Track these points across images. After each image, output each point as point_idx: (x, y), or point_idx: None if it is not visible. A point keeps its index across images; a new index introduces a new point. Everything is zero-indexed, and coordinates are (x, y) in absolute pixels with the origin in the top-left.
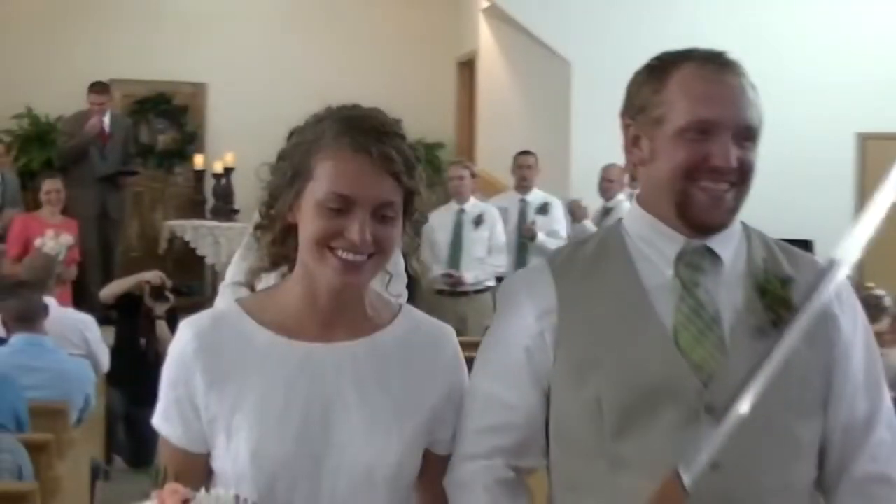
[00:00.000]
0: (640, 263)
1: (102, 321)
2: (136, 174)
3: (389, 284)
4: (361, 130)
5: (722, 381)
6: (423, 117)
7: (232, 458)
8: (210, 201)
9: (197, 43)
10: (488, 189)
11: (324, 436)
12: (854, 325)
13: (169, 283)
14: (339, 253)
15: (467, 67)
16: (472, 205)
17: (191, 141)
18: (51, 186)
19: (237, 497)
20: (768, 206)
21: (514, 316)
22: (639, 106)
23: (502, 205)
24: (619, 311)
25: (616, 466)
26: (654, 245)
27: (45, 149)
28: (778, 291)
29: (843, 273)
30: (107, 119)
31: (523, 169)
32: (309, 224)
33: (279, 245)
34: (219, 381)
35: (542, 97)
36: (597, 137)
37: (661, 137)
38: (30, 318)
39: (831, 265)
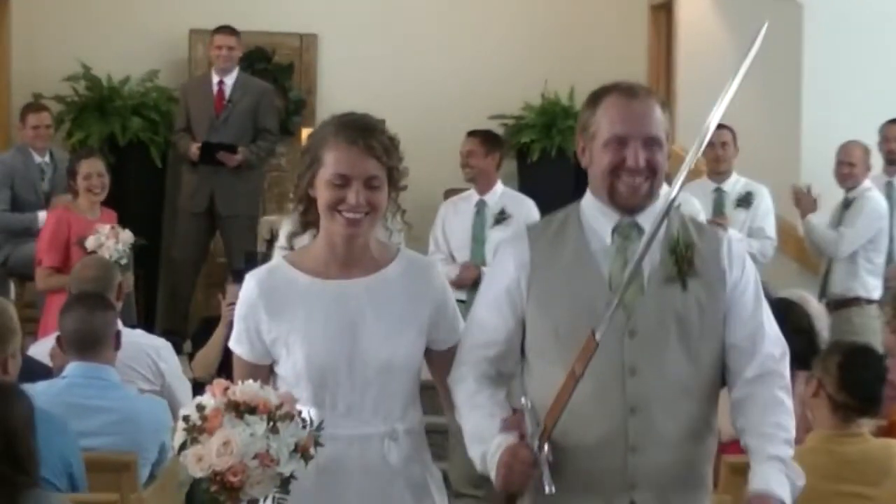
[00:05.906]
0: (589, 233)
1: (179, 348)
2: (235, 149)
3: (391, 237)
4: (353, 129)
5: (639, 312)
6: (606, 75)
7: (292, 364)
8: None
9: None
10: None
11: (353, 342)
12: (742, 273)
13: None
14: (344, 214)
15: (663, 11)
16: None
17: (297, 111)
18: (91, 169)
19: (262, 385)
20: None
21: (500, 266)
22: (583, 125)
23: (692, 194)
24: (572, 266)
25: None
26: (599, 220)
27: (106, 120)
28: (683, 252)
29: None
30: (229, 80)
31: (716, 147)
32: (322, 195)
33: (305, 214)
34: (276, 313)
35: (761, 50)
36: (835, 104)
37: (595, 147)
38: (92, 343)
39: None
